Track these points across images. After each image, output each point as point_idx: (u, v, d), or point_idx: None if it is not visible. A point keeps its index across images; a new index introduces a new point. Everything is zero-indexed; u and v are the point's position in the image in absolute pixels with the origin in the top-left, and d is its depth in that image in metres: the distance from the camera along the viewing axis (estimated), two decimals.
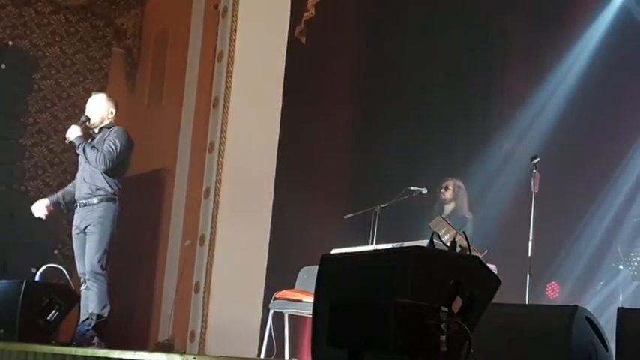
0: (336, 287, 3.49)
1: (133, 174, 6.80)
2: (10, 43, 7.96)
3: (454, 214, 7.18)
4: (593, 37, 9.25)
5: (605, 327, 4.07)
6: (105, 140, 6.37)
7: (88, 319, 6.16)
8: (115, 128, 6.46)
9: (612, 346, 3.91)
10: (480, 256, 4.16)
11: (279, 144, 6.84)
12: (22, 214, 7.25)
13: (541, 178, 6.46)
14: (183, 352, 4.58)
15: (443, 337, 2.94)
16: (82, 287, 6.29)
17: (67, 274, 6.40)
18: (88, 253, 6.26)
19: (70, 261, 6.93)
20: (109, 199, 6.32)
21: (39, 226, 7.11)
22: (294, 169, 7.55)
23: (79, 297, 6.17)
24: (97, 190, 6.32)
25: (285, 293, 6.34)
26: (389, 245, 5.68)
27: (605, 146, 9.06)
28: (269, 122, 6.83)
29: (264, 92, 6.85)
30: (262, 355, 6.27)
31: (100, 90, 7.95)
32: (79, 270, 6.35)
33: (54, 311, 5.87)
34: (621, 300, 8.08)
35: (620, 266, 8.30)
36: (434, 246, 3.58)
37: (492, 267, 4.02)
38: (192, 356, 4.16)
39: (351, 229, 7.16)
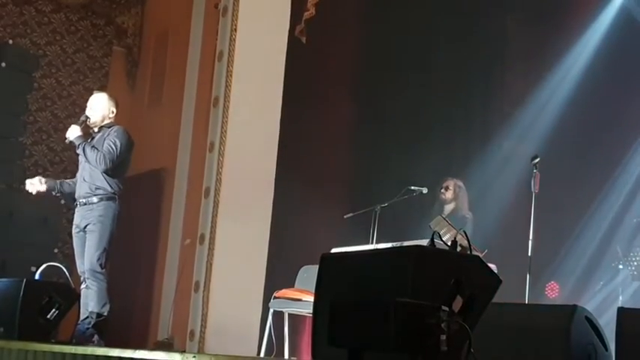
0: (336, 286, 3.49)
1: (132, 173, 6.79)
2: (11, 41, 7.96)
3: (454, 214, 7.18)
4: (593, 37, 9.23)
5: (605, 327, 4.07)
6: (105, 140, 6.35)
7: (87, 317, 6.15)
8: (115, 127, 6.44)
9: (612, 346, 3.91)
10: (480, 256, 4.16)
11: (279, 144, 6.84)
12: (21, 212, 7.26)
13: (541, 178, 6.45)
14: (182, 351, 4.57)
15: (443, 337, 2.94)
16: (82, 286, 6.28)
17: (66, 273, 6.39)
18: (87, 252, 6.25)
19: (69, 260, 6.93)
20: (108, 198, 6.31)
21: (39, 225, 7.12)
22: (294, 169, 7.55)
23: (78, 296, 6.16)
24: (96, 189, 6.30)
25: (285, 292, 6.33)
26: (389, 245, 5.67)
27: (605, 146, 9.05)
28: (269, 122, 6.83)
29: (264, 92, 6.85)
30: (262, 354, 6.26)
31: (101, 89, 7.97)
32: (79, 269, 6.34)
33: (54, 310, 5.86)
34: (621, 300, 8.07)
35: (620, 266, 8.27)
36: (434, 245, 3.58)
37: (492, 267, 4.00)
38: (192, 355, 4.15)
39: (352, 229, 7.15)
